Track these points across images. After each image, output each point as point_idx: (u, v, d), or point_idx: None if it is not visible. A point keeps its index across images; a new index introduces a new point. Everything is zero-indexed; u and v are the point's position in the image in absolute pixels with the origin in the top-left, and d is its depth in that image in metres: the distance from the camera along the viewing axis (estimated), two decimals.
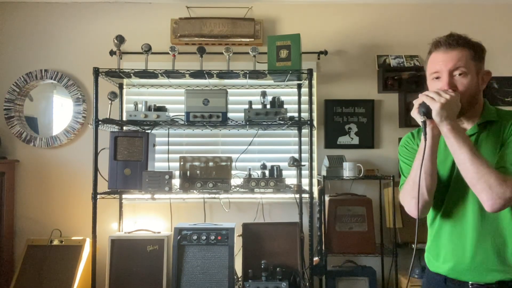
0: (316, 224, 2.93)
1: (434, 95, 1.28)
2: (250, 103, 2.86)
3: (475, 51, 1.36)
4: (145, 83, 3.23)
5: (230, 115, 2.88)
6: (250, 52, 2.89)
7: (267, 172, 2.81)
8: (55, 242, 3.02)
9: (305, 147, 3.20)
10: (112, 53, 3.10)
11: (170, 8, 3.29)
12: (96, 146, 2.72)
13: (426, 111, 1.29)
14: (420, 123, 1.32)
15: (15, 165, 3.23)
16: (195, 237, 2.80)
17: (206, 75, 2.88)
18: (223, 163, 2.80)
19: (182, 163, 2.80)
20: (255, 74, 2.87)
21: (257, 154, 3.30)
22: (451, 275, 1.41)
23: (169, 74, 2.87)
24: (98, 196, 2.69)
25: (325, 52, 3.23)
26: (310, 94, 2.80)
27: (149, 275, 2.83)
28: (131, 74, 2.89)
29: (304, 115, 3.20)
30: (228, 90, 2.87)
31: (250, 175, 2.80)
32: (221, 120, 2.78)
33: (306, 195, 2.85)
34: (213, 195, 2.92)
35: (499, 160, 1.31)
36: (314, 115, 3.23)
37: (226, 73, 2.87)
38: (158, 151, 3.16)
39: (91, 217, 2.67)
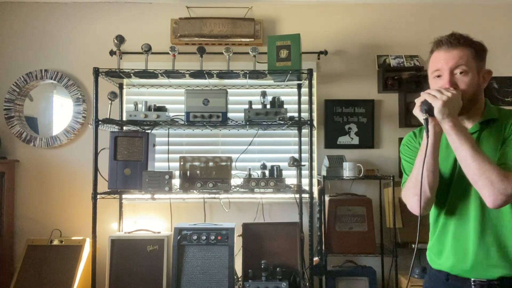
0: (316, 224, 2.93)
1: (436, 93, 1.30)
2: (250, 103, 2.86)
3: (476, 50, 1.38)
4: (145, 83, 3.23)
5: (230, 115, 2.88)
6: (250, 52, 2.89)
7: (267, 172, 2.81)
8: (55, 242, 3.01)
9: (305, 147, 3.20)
10: (112, 53, 3.10)
11: (170, 8, 3.30)
12: (96, 146, 2.72)
13: (428, 109, 1.31)
14: (422, 121, 1.34)
15: (15, 165, 3.23)
16: (195, 237, 2.80)
17: (206, 75, 2.88)
18: (223, 163, 2.80)
19: (182, 163, 2.79)
20: (255, 74, 2.87)
21: (257, 154, 3.30)
22: (454, 272, 1.41)
23: (169, 74, 2.87)
24: (98, 196, 2.69)
25: (325, 52, 3.23)
26: (310, 94, 2.80)
27: (149, 275, 2.83)
28: (131, 74, 2.89)
29: (304, 115, 3.20)
30: (228, 90, 2.87)
31: (250, 175, 2.80)
32: (221, 120, 2.78)
33: (306, 195, 2.85)
34: (213, 195, 2.92)
35: (500, 157, 1.33)
36: (314, 115, 3.23)
37: (226, 73, 2.87)
38: (158, 151, 3.16)
39: (91, 217, 2.66)
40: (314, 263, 2.76)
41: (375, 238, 2.96)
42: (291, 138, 3.32)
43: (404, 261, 3.08)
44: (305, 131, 3.16)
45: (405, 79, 3.20)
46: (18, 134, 3.22)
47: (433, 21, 3.34)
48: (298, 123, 2.94)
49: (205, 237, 2.80)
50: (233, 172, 2.90)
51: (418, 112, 1.35)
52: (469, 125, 1.43)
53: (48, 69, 3.25)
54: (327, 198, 3.01)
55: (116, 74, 2.88)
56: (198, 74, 2.87)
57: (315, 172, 3.21)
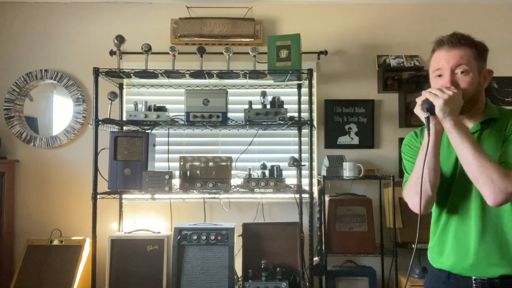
0: (316, 224, 2.93)
1: (437, 92, 1.31)
2: (250, 103, 2.86)
3: (477, 50, 1.38)
4: (145, 83, 3.23)
5: (230, 115, 2.88)
6: (250, 52, 2.89)
7: (267, 172, 2.80)
8: (55, 242, 3.01)
9: (305, 147, 3.20)
10: (112, 53, 3.10)
11: (170, 8, 3.30)
12: (96, 146, 2.72)
13: (429, 108, 1.32)
14: (424, 119, 1.35)
15: (15, 165, 3.23)
16: (195, 237, 2.80)
17: (206, 75, 2.88)
18: (223, 163, 2.80)
19: (182, 163, 2.79)
20: (255, 74, 2.87)
21: (257, 154, 3.30)
22: (455, 271, 1.42)
23: (169, 74, 2.87)
24: (98, 196, 2.69)
25: (325, 52, 3.23)
26: (310, 94, 2.80)
27: (149, 275, 2.83)
28: (131, 74, 2.89)
29: (304, 115, 3.20)
30: (228, 90, 2.87)
31: (250, 175, 2.80)
32: (221, 120, 2.78)
33: (306, 195, 2.85)
34: (213, 195, 2.92)
35: (501, 156, 1.33)
36: (314, 115, 3.23)
37: (226, 73, 2.87)
38: (158, 151, 3.16)
39: (91, 217, 2.66)
40: (314, 263, 2.76)
41: (375, 238, 2.96)
42: (291, 138, 3.32)
43: (404, 261, 3.08)
44: (305, 131, 3.16)
45: (405, 79, 3.20)
46: (18, 134, 3.22)
47: (433, 21, 3.34)
48: (298, 123, 2.94)
49: (205, 237, 2.80)
50: (233, 172, 2.90)
51: (419, 111, 1.35)
52: (470, 124, 1.43)
53: (48, 69, 3.25)
54: (327, 198, 3.01)
55: (116, 74, 2.88)
56: (198, 74, 2.87)
57: (315, 172, 3.21)
